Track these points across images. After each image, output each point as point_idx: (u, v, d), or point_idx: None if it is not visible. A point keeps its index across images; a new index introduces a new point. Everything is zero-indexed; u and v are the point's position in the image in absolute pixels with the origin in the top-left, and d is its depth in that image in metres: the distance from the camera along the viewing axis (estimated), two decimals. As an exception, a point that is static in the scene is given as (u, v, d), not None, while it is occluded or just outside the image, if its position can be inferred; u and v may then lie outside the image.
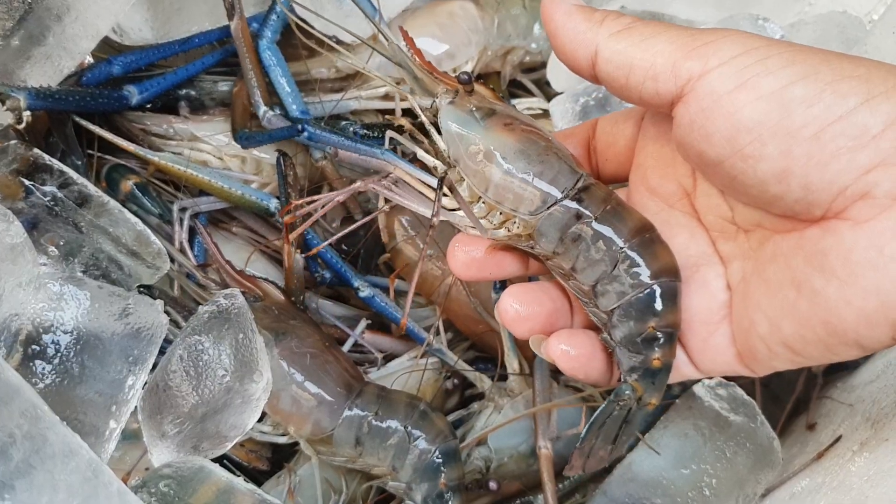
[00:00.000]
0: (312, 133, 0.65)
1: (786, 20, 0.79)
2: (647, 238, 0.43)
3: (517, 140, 0.44)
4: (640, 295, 0.42)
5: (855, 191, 0.34)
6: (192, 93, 0.74)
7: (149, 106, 0.72)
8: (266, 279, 0.65)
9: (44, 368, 0.49)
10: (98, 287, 0.52)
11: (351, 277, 0.68)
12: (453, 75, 0.49)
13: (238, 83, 0.71)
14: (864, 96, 0.33)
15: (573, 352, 0.44)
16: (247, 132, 0.67)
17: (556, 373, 0.71)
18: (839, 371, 0.72)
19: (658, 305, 0.42)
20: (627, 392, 0.44)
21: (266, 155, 0.70)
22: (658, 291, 0.42)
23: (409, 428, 0.59)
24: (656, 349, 0.43)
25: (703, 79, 0.37)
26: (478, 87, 0.48)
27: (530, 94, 0.83)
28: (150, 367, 0.54)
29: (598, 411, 0.45)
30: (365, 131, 0.69)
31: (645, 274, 0.42)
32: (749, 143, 0.35)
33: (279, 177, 0.67)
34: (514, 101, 0.80)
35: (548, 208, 0.43)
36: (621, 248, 0.42)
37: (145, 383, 0.54)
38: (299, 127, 0.65)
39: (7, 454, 0.41)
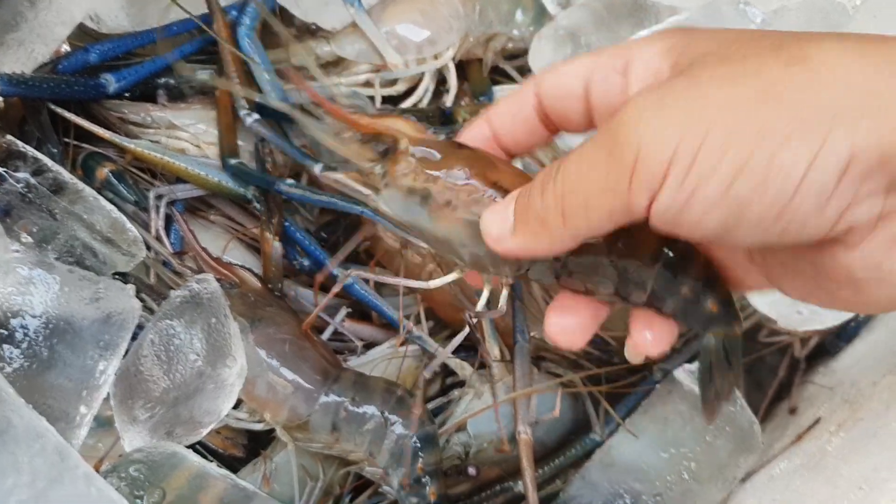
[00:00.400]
0: (287, 193, 0.65)
1: (769, 6, 0.79)
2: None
3: (461, 221, 0.43)
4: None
5: (839, 230, 0.33)
6: (171, 81, 0.73)
7: (126, 94, 0.72)
8: (243, 266, 0.65)
9: (11, 353, 0.49)
10: (68, 271, 0.51)
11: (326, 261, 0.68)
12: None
13: (220, 92, 0.70)
14: (808, 158, 0.31)
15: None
16: (233, 164, 0.67)
17: (536, 359, 0.71)
18: (822, 356, 0.72)
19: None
20: (712, 342, 0.42)
21: (242, 142, 0.69)
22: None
23: (387, 413, 0.59)
24: (708, 298, 0.41)
25: (654, 205, 0.34)
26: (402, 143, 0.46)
27: (512, 80, 0.83)
28: (123, 352, 0.53)
29: (699, 367, 0.44)
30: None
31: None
32: (724, 237, 0.34)
33: (258, 164, 0.67)
34: (496, 88, 0.80)
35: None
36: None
37: (118, 369, 0.53)
38: (277, 187, 0.65)
39: (-31, 437, 0.41)
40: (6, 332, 0.49)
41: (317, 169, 0.64)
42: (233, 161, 0.66)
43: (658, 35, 0.39)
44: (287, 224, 0.68)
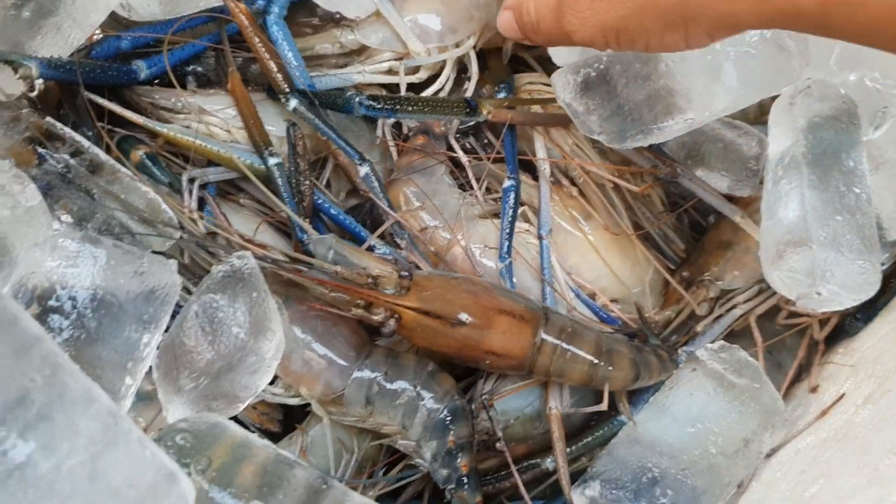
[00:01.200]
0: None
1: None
2: None
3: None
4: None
5: None
6: (199, 68, 0.75)
7: (157, 80, 0.73)
8: (273, 247, 0.66)
9: (61, 323, 0.50)
10: (114, 246, 0.53)
11: (365, 236, 0.69)
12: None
13: (232, 84, 0.71)
14: None
15: None
16: (273, 165, 0.69)
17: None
18: (840, 337, 0.73)
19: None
20: None
21: (273, 127, 0.71)
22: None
23: (419, 388, 0.60)
24: None
25: None
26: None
27: (532, 69, 0.84)
28: (165, 326, 0.55)
29: None
30: (370, 102, 0.70)
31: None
32: None
33: (289, 147, 0.68)
34: (516, 76, 0.81)
35: None
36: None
37: (160, 343, 0.54)
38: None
39: (29, 399, 0.42)
40: (56, 304, 0.50)
41: (362, 169, 0.67)
42: (272, 161, 0.68)
43: None
44: (319, 201, 0.70)
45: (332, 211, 0.70)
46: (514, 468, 0.64)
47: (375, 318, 0.61)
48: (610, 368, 0.63)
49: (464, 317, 0.61)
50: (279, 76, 0.69)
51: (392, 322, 0.60)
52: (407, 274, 0.62)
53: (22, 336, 0.43)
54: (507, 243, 0.70)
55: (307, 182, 0.68)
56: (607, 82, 0.73)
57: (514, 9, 0.56)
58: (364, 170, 0.68)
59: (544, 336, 0.62)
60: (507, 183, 0.73)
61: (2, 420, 0.40)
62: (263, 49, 0.69)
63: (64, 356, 0.44)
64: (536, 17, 0.54)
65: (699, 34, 0.45)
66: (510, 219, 0.71)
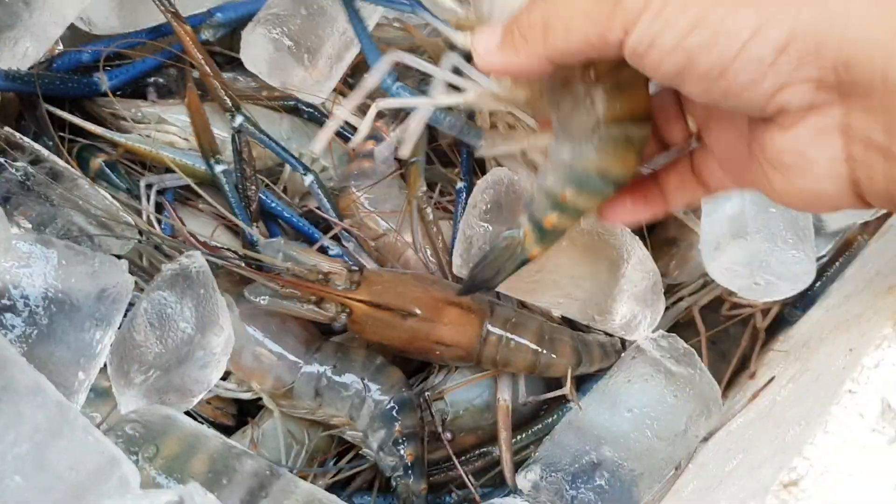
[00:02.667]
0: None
1: None
2: None
3: None
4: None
5: (773, 108, 0.38)
6: (161, 80, 0.77)
7: (118, 92, 0.76)
8: (229, 248, 0.69)
9: (14, 321, 0.53)
10: (65, 247, 0.55)
11: (317, 235, 0.72)
12: None
13: (189, 95, 0.72)
14: (753, 27, 0.36)
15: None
16: (220, 172, 0.71)
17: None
18: (781, 325, 0.76)
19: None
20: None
21: (226, 133, 0.74)
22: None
23: (366, 380, 0.63)
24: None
25: (628, 39, 0.39)
26: None
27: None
28: (117, 325, 0.57)
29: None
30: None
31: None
32: (680, 84, 0.40)
33: (234, 153, 0.70)
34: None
35: None
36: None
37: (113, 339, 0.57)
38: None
39: (-25, 392, 0.44)
40: (9, 303, 0.53)
41: (307, 179, 0.70)
42: (219, 168, 0.71)
43: None
44: (270, 202, 0.73)
45: (286, 214, 0.72)
46: (455, 459, 0.66)
47: (327, 313, 0.64)
48: (553, 356, 0.66)
49: (413, 308, 0.63)
50: (223, 94, 0.71)
51: (342, 317, 0.63)
52: (357, 268, 0.65)
53: (-30, 331, 0.46)
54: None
55: (253, 187, 0.70)
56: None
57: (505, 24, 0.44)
58: (308, 179, 0.71)
59: (490, 327, 0.65)
60: (459, 184, 0.76)
61: (-51, 410, 0.42)
62: (208, 68, 0.72)
63: (11, 350, 0.47)
64: (545, 15, 0.42)
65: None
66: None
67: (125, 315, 0.58)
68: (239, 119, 0.70)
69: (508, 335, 0.65)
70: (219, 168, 0.70)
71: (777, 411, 0.55)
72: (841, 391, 0.45)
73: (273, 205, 0.72)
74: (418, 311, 0.64)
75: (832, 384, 0.48)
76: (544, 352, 0.65)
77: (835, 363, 0.52)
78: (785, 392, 0.57)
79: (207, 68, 0.71)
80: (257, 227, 0.71)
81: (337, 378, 0.63)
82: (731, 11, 0.37)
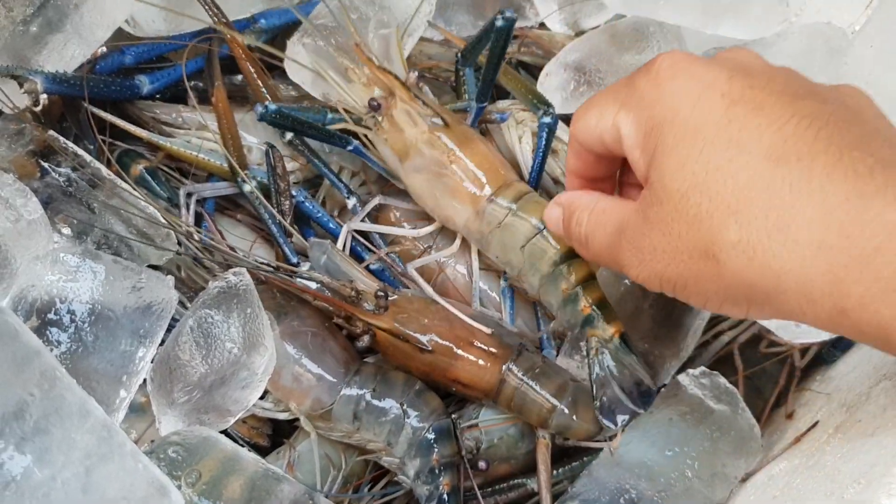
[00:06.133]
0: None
1: (772, 29, 0.82)
2: None
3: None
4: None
5: None
6: (201, 84, 0.76)
7: (158, 96, 0.75)
8: (268, 263, 0.67)
9: (59, 336, 0.52)
10: (113, 261, 0.54)
11: (360, 251, 0.71)
12: None
13: (216, 99, 0.72)
14: None
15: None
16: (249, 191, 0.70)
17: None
18: (819, 365, 0.75)
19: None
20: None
21: (255, 139, 0.73)
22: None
23: (405, 406, 0.62)
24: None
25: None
26: None
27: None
28: (160, 341, 0.56)
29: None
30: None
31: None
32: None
33: (268, 168, 0.69)
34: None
35: None
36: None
37: (154, 356, 0.56)
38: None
39: (27, 412, 0.43)
40: (55, 317, 0.52)
41: (350, 202, 0.70)
42: (247, 188, 0.70)
43: (629, 111, 0.47)
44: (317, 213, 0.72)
45: (331, 225, 0.71)
46: (478, 491, 0.65)
47: (355, 329, 0.64)
48: (573, 417, 0.64)
49: (431, 345, 0.63)
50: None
51: (366, 338, 0.63)
52: (383, 294, 0.64)
53: (22, 349, 0.45)
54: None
55: (287, 202, 0.69)
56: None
57: (565, 209, 0.54)
58: (351, 203, 0.70)
59: (510, 369, 0.64)
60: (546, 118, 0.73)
61: (0, 433, 0.41)
62: (256, 76, 0.71)
63: (62, 370, 0.46)
64: (587, 233, 0.51)
65: (763, 315, 0.43)
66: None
67: (167, 331, 0.57)
68: (289, 134, 0.69)
69: (528, 381, 0.64)
70: (246, 188, 0.69)
71: (828, 462, 0.54)
72: (905, 452, 0.44)
73: (319, 215, 0.71)
74: (436, 348, 0.63)
75: (892, 441, 0.47)
76: (563, 409, 0.63)
77: (892, 418, 0.51)
78: (834, 442, 0.56)
79: (258, 80, 0.70)
80: (292, 241, 0.70)
81: (376, 402, 0.62)
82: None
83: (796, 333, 0.69)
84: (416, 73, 0.72)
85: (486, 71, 0.72)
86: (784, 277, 0.39)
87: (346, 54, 0.71)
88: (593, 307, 0.62)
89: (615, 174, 0.56)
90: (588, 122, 0.49)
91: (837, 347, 0.74)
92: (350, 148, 0.70)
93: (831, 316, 0.38)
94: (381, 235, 0.73)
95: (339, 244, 0.69)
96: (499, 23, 0.70)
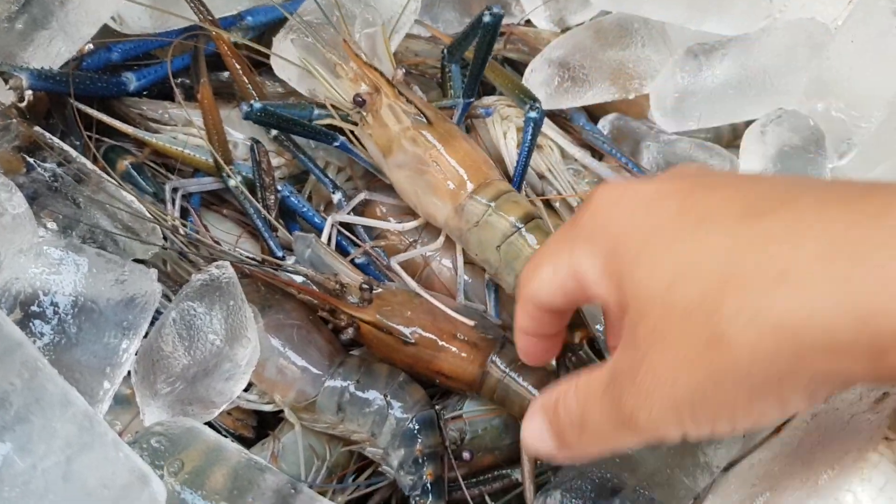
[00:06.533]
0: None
1: (756, 25, 0.83)
2: None
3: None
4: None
5: None
6: (187, 81, 0.77)
7: (145, 92, 0.75)
8: (251, 257, 0.68)
9: (42, 328, 0.52)
10: (96, 254, 0.55)
11: (346, 245, 0.72)
12: None
13: (201, 95, 0.72)
14: None
15: None
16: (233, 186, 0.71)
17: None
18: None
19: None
20: None
21: (241, 135, 0.74)
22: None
23: (389, 397, 0.62)
24: None
25: None
26: None
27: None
28: (143, 333, 0.57)
29: None
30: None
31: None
32: None
33: (253, 163, 0.70)
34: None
35: None
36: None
37: (138, 348, 0.56)
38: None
39: (7, 401, 0.44)
40: (38, 309, 0.52)
41: (335, 197, 0.70)
42: (232, 183, 0.70)
43: (583, 246, 0.41)
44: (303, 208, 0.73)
45: (317, 220, 0.72)
46: (462, 481, 0.66)
47: (339, 322, 0.65)
48: None
49: (413, 337, 0.63)
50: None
51: (350, 330, 0.64)
52: (367, 286, 0.64)
53: (4, 341, 0.45)
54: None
55: (272, 197, 0.70)
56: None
57: (547, 410, 0.44)
58: (336, 197, 0.71)
59: (493, 361, 0.65)
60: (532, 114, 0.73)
61: (-20, 422, 0.42)
62: (242, 73, 0.72)
63: (43, 361, 0.46)
64: (580, 409, 0.42)
65: (797, 396, 0.34)
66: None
67: (151, 324, 0.57)
68: (274, 130, 0.69)
69: (510, 374, 0.64)
70: (232, 183, 0.70)
71: (805, 450, 0.54)
72: (877, 437, 0.45)
73: (304, 210, 0.72)
74: (419, 341, 0.64)
75: (866, 428, 0.48)
76: None
77: (865, 405, 0.51)
78: (811, 429, 0.57)
79: (244, 77, 0.70)
80: (277, 235, 0.70)
81: (360, 394, 0.62)
82: None
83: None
84: (403, 71, 0.73)
85: (473, 67, 0.73)
86: (802, 332, 0.32)
87: (334, 50, 0.71)
88: None
89: (565, 327, 0.51)
90: (542, 278, 0.44)
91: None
92: (336, 144, 0.71)
93: (871, 360, 0.31)
94: (368, 230, 0.73)
95: (324, 237, 0.69)
96: (486, 18, 0.70)
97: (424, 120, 0.67)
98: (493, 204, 0.65)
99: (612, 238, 0.39)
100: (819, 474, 0.48)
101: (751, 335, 0.33)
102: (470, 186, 0.66)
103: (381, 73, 0.69)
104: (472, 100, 0.75)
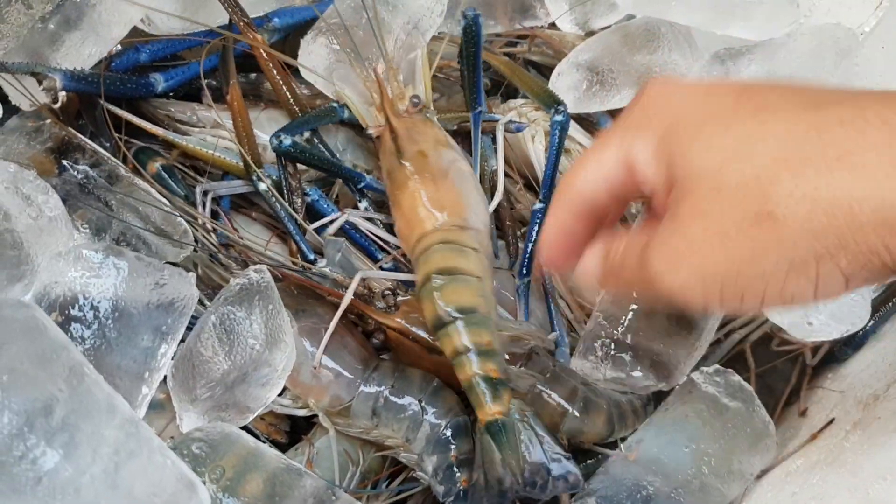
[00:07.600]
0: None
1: (782, 30, 0.83)
2: None
3: None
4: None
5: None
6: (214, 83, 0.76)
7: (172, 94, 0.75)
8: (288, 260, 0.68)
9: (82, 333, 0.52)
10: (136, 258, 0.54)
11: (375, 251, 0.71)
12: None
13: (231, 97, 0.71)
14: None
15: None
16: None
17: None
18: (830, 363, 0.76)
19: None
20: None
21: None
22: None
23: (423, 403, 0.62)
24: None
25: None
26: None
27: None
28: (181, 337, 0.56)
29: None
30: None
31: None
32: None
33: (279, 167, 0.70)
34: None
35: None
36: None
37: (175, 353, 0.56)
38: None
39: (55, 407, 0.43)
40: (78, 314, 0.52)
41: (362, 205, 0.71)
42: (262, 187, 0.70)
43: (635, 135, 0.42)
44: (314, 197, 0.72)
45: (346, 225, 0.71)
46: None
47: (368, 327, 0.65)
48: (584, 421, 0.65)
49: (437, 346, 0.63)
50: (294, 106, 0.71)
51: (379, 335, 0.64)
52: (391, 292, 0.64)
53: (49, 345, 0.45)
54: (528, 261, 0.70)
55: (299, 200, 0.70)
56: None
57: (603, 252, 0.46)
58: (363, 205, 0.71)
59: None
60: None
61: (31, 428, 0.41)
62: (277, 75, 0.71)
63: (89, 366, 0.46)
64: (621, 260, 0.44)
65: (833, 278, 0.35)
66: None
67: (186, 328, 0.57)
68: (306, 133, 0.69)
69: (538, 386, 0.64)
70: (262, 186, 0.69)
71: (849, 458, 0.54)
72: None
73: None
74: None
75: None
76: (574, 413, 0.64)
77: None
78: (854, 438, 0.56)
79: (279, 80, 0.70)
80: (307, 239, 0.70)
81: (395, 399, 0.62)
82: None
83: (808, 331, 0.69)
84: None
85: (468, 74, 0.73)
86: (857, 208, 0.33)
87: (360, 65, 0.70)
88: None
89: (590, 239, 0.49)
90: (587, 170, 0.44)
91: (850, 346, 0.75)
92: (362, 185, 0.70)
93: None
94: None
95: (331, 230, 0.69)
96: (462, 23, 0.70)
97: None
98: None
99: (668, 121, 0.40)
100: (869, 484, 0.48)
101: (802, 210, 0.34)
102: (428, 227, 0.62)
103: (396, 110, 0.67)
104: (479, 109, 0.74)
